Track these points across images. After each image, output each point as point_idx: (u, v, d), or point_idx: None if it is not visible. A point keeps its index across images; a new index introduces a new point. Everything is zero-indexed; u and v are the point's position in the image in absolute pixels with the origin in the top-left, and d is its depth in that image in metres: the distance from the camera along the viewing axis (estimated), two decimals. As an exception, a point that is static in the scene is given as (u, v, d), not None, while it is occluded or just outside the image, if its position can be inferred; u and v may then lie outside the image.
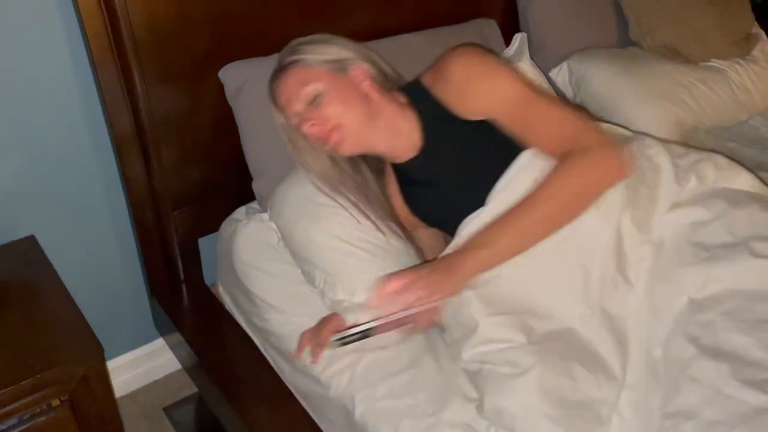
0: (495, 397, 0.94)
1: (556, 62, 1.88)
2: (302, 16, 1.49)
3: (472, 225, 1.08)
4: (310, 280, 1.26)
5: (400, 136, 1.18)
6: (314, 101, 1.15)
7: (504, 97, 1.10)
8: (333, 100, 1.14)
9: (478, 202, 1.10)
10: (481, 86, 1.11)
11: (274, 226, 1.33)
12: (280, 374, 1.31)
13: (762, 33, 2.01)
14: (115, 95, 1.34)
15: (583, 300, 1.02)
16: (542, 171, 1.05)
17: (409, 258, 1.24)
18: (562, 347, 0.97)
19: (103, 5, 1.24)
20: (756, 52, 1.93)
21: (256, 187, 1.43)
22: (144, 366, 1.82)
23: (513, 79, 1.11)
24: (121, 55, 1.29)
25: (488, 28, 1.81)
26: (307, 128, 1.16)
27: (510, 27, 1.88)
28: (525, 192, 1.05)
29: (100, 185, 1.53)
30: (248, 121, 1.41)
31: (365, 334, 1.01)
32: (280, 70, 1.21)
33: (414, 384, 1.08)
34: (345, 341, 1.02)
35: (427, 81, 1.20)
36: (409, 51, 1.59)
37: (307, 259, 1.25)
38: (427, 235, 1.31)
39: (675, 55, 1.86)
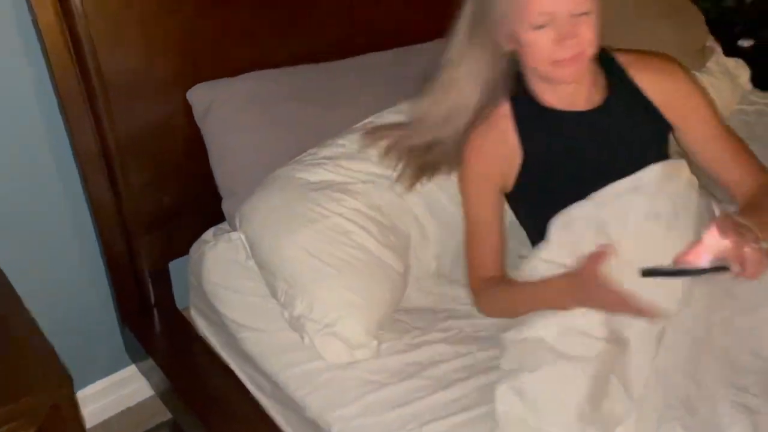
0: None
1: (521, 77, 1.92)
2: (269, 35, 1.50)
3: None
4: (273, 292, 1.25)
5: (591, 84, 1.16)
6: (579, 17, 1.02)
7: (714, 120, 1.18)
8: (594, 26, 1.03)
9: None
10: (703, 100, 1.19)
11: (243, 242, 1.32)
12: (259, 394, 1.30)
13: (716, 46, 2.07)
14: (79, 116, 1.33)
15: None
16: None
17: (383, 276, 1.24)
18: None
19: (64, 24, 1.23)
20: (710, 64, 1.99)
21: (226, 206, 1.42)
22: (116, 394, 1.78)
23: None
24: (84, 74, 1.28)
25: (453, 46, 1.84)
26: (574, 36, 1.02)
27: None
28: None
29: (66, 209, 1.51)
30: (217, 141, 1.41)
31: (681, 272, 0.96)
32: None
33: (389, 402, 1.08)
34: (655, 273, 0.95)
35: (625, 61, 1.19)
36: (379, 70, 1.61)
37: (271, 271, 1.24)
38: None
39: (634, 68, 1.91)
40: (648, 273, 0.92)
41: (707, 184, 1.21)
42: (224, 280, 1.34)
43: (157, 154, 1.43)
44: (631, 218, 1.06)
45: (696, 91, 1.19)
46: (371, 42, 1.66)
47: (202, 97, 1.40)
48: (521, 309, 1.13)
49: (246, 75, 1.44)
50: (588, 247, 1.05)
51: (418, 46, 1.72)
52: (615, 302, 1.00)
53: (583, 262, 1.03)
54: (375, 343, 1.18)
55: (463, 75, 1.19)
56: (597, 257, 1.01)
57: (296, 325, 1.20)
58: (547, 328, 1.04)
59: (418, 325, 1.26)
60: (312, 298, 1.18)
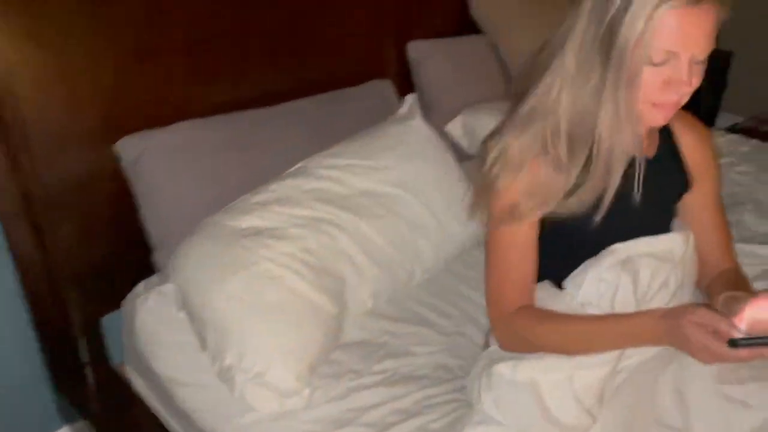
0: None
1: (451, 117, 1.98)
2: (196, 83, 1.51)
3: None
4: (203, 344, 1.23)
5: (653, 134, 1.10)
6: (697, 65, 0.92)
7: (716, 192, 1.16)
8: (700, 79, 0.93)
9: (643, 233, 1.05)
10: (716, 171, 1.16)
11: (174, 294, 1.30)
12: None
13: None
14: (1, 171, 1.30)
15: None
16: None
17: (316, 319, 1.23)
18: None
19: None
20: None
21: (157, 258, 1.40)
22: (49, 458, 1.70)
23: None
24: (5, 129, 1.26)
25: (384, 89, 1.89)
26: (688, 84, 0.92)
27: (405, 87, 1.97)
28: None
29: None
30: (146, 193, 1.39)
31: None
32: None
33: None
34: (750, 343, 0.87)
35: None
36: (306, 116, 1.63)
37: (201, 322, 1.22)
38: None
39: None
40: (734, 343, 0.85)
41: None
42: (157, 334, 1.31)
43: (86, 207, 1.41)
44: (645, 281, 1.02)
45: (715, 160, 1.17)
46: (298, 88, 1.69)
47: (130, 148, 1.39)
48: (576, 346, 1.00)
49: (175, 125, 1.44)
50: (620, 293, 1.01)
51: (346, 90, 1.76)
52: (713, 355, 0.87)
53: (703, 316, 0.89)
54: (307, 391, 1.17)
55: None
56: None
57: (226, 376, 1.18)
58: (546, 373, 0.99)
59: (354, 366, 1.26)
60: (241, 347, 1.16)
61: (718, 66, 3.01)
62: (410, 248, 1.46)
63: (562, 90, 0.96)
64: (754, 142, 2.08)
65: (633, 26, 0.87)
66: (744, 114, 3.12)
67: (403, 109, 1.67)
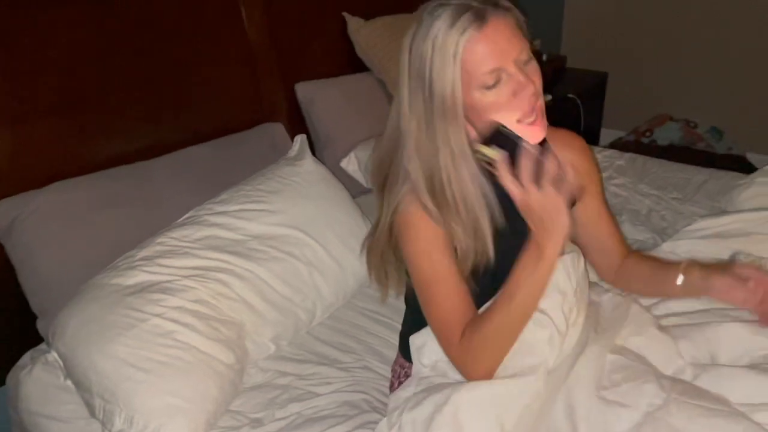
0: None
1: (345, 153, 2.01)
2: (74, 142, 1.47)
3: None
4: (91, 411, 1.18)
5: None
6: (525, 64, 0.94)
7: (602, 196, 1.21)
8: (538, 74, 0.96)
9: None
10: (598, 177, 1.21)
11: (59, 361, 1.24)
12: None
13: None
14: None
15: None
16: None
17: (210, 372, 1.20)
18: None
19: None
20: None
21: (41, 325, 1.34)
22: None
23: None
24: None
25: (276, 131, 1.91)
26: (527, 86, 0.93)
27: (297, 127, 1.99)
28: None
29: None
30: (24, 259, 1.34)
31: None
32: (491, 7, 0.93)
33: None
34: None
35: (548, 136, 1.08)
36: (195, 164, 1.62)
37: (87, 388, 1.17)
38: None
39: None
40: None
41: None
42: (43, 406, 1.24)
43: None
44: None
45: (595, 166, 1.22)
46: (187, 137, 1.68)
47: (3, 214, 1.33)
48: (507, 320, 0.98)
49: (50, 186, 1.40)
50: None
51: (236, 135, 1.76)
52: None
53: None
54: (203, 449, 1.14)
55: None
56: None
57: None
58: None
59: (256, 415, 1.24)
60: (131, 410, 1.12)
61: (595, 86, 3.22)
62: (309, 288, 1.46)
63: (410, 147, 0.98)
64: (629, 155, 2.23)
65: (445, 71, 0.91)
66: (625, 129, 3.34)
67: (293, 149, 1.69)
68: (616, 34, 3.29)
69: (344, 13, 2.15)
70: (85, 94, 1.49)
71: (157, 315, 1.21)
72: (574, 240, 1.23)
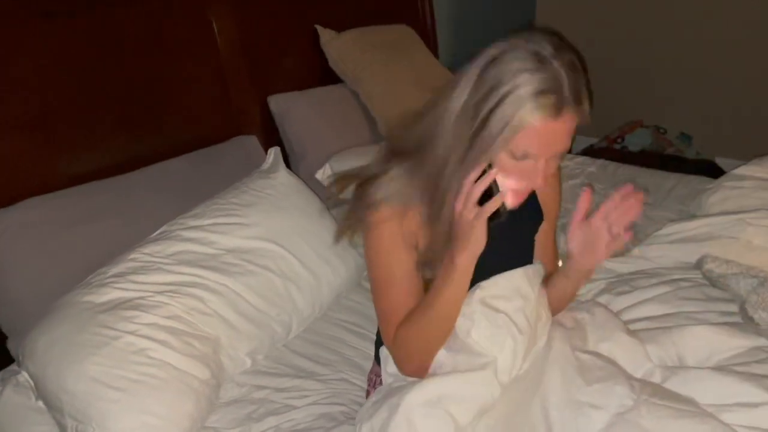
0: None
1: (320, 164, 2.01)
2: (48, 157, 1.46)
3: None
4: (63, 431, 1.17)
5: None
6: (557, 157, 0.98)
7: (556, 216, 1.24)
8: (557, 169, 1.04)
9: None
10: (559, 197, 1.24)
11: (30, 382, 1.22)
12: None
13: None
14: None
15: None
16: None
17: (185, 388, 1.19)
18: None
19: None
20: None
21: (11, 345, 1.32)
22: None
23: None
24: None
25: (249, 144, 1.90)
26: (537, 178, 0.96)
27: (271, 140, 1.99)
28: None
29: None
30: (-7, 278, 1.31)
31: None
32: (572, 104, 0.92)
33: None
34: None
35: None
36: (169, 178, 1.61)
37: (58, 408, 1.15)
38: None
39: (422, 143, 2.10)
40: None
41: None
42: (15, 429, 1.21)
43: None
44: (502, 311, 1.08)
45: (559, 193, 1.25)
46: (162, 150, 1.67)
47: (-28, 232, 1.31)
48: (429, 324, 1.03)
49: (22, 203, 1.38)
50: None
51: (210, 148, 1.76)
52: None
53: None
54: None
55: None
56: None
57: None
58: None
59: (232, 429, 1.23)
60: (104, 430, 1.11)
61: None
62: (285, 301, 1.46)
63: (439, 159, 1.00)
64: (600, 162, 2.27)
65: (499, 124, 0.91)
66: (597, 135, 3.39)
67: (267, 162, 1.69)
68: (586, 42, 3.34)
69: (316, 26, 2.16)
70: (57, 109, 1.48)
71: (130, 332, 1.20)
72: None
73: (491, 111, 0.91)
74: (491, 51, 0.94)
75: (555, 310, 1.19)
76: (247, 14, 1.92)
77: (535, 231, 1.23)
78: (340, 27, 2.18)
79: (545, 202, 1.22)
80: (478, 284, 1.09)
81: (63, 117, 1.48)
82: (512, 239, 1.14)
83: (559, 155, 0.96)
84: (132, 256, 1.35)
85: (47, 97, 1.45)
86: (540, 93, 0.88)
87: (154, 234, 1.43)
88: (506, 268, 1.11)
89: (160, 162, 1.65)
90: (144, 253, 1.36)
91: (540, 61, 0.89)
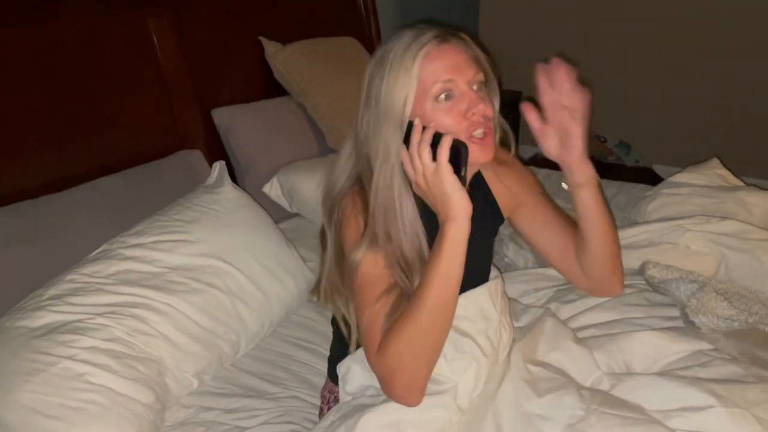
0: None
1: (267, 178, 1.98)
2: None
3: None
4: None
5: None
6: (478, 88, 0.98)
7: (544, 203, 1.21)
8: (491, 101, 1.00)
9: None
10: (536, 187, 1.21)
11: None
12: None
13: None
14: None
15: None
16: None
17: (126, 414, 1.14)
18: None
19: None
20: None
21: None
22: None
23: None
24: None
25: (193, 159, 1.86)
26: (478, 104, 0.96)
27: (216, 154, 1.95)
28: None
29: None
30: None
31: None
32: (447, 35, 0.98)
33: None
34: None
35: None
36: (106, 195, 1.55)
37: None
38: None
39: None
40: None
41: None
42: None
43: None
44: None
45: (531, 178, 1.22)
46: (99, 168, 1.61)
47: None
48: (424, 314, 0.91)
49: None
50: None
51: (150, 164, 1.71)
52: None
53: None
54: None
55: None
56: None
57: None
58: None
59: (179, 455, 1.19)
60: None
61: (509, 104, 3.33)
62: (232, 319, 1.42)
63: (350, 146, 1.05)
64: (545, 171, 2.31)
65: (398, 85, 0.95)
66: (541, 145, 3.46)
67: (212, 177, 1.65)
68: (528, 55, 3.42)
69: (261, 38, 2.14)
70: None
71: (68, 357, 1.14)
72: (537, 255, 1.25)
73: (387, 83, 0.96)
74: (368, 67, 1.01)
75: (600, 240, 1.12)
76: (189, 27, 1.88)
77: (493, 234, 1.21)
78: (285, 39, 2.16)
79: (514, 192, 1.20)
80: None
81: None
82: (468, 252, 1.05)
83: (478, 82, 0.98)
84: (69, 277, 1.30)
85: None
86: (414, 38, 0.97)
87: (93, 253, 1.38)
88: (465, 283, 1.02)
89: (96, 179, 1.59)
90: (82, 274, 1.31)
91: (415, 35, 0.97)
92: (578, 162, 1.06)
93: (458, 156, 0.91)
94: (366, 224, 0.99)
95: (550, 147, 1.06)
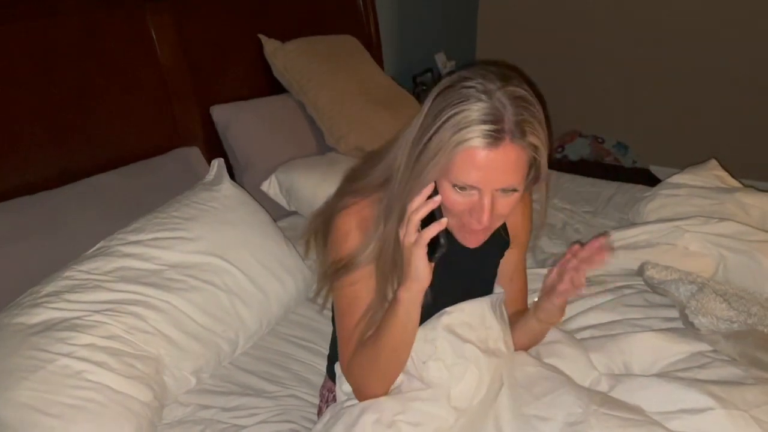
0: None
1: (266, 176, 1.98)
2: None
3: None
4: None
5: None
6: (503, 192, 0.92)
7: (524, 248, 1.21)
8: (515, 202, 0.94)
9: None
10: (528, 227, 1.20)
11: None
12: None
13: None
14: None
15: None
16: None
17: (124, 412, 1.14)
18: None
19: None
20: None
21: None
22: None
23: None
24: None
25: (192, 156, 1.85)
26: (483, 215, 0.92)
27: (215, 151, 1.94)
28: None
29: None
30: None
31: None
32: (516, 137, 0.88)
33: None
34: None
35: None
36: (105, 192, 1.54)
37: None
38: None
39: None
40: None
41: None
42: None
43: None
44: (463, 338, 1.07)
45: (529, 221, 1.21)
46: (98, 164, 1.60)
47: None
48: (379, 355, 1.00)
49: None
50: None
51: (149, 160, 1.70)
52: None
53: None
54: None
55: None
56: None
57: None
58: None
59: (177, 453, 1.18)
60: None
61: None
62: (231, 317, 1.41)
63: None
64: (555, 174, 2.31)
65: (435, 148, 0.89)
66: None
67: (210, 174, 1.64)
68: (525, 55, 3.43)
69: (260, 35, 2.13)
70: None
71: (66, 354, 1.14)
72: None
73: (431, 136, 0.90)
74: (445, 81, 0.93)
75: (521, 347, 1.17)
76: (188, 24, 1.87)
77: (500, 256, 1.21)
78: (285, 37, 2.16)
79: (514, 225, 1.19)
80: (443, 310, 1.07)
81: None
82: (475, 263, 1.12)
83: (508, 192, 0.92)
84: (67, 273, 1.29)
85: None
86: (478, 120, 0.87)
87: (91, 250, 1.37)
88: (469, 292, 1.09)
89: (94, 175, 1.58)
90: (80, 271, 1.30)
91: (485, 91, 0.88)
92: (560, 308, 1.08)
93: (437, 244, 0.92)
94: (364, 240, 1.01)
95: (552, 280, 1.07)
